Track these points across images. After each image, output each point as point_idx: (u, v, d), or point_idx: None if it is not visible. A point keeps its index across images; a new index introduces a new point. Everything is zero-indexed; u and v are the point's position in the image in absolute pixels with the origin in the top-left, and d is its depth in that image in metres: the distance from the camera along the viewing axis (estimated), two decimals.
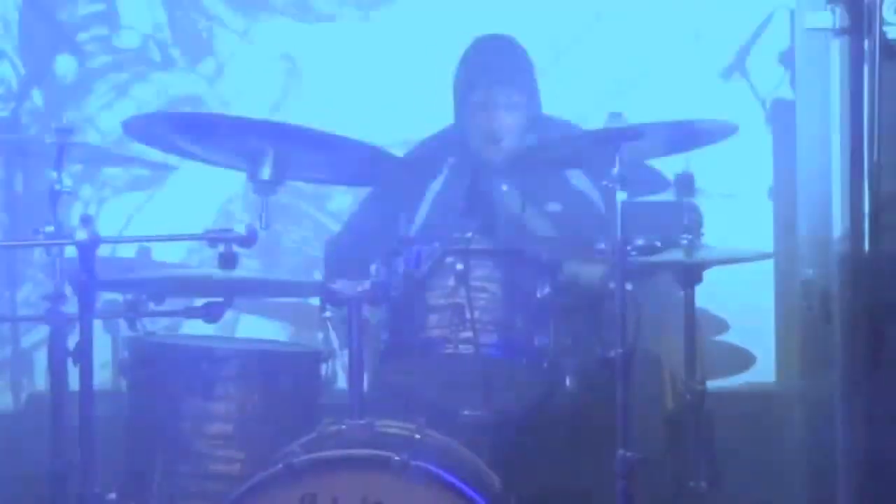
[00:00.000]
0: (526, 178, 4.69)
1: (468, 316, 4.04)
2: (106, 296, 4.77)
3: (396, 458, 3.74)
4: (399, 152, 4.94)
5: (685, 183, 4.40)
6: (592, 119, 5.61)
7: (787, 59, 5.65)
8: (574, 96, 5.90)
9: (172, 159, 4.78)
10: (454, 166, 4.85)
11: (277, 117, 5.92)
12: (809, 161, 5.06)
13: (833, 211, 4.39)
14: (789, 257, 5.30)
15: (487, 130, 4.84)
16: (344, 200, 5.66)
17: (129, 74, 6.18)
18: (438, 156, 4.88)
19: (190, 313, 4.24)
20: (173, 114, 4.35)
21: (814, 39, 4.54)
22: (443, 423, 4.11)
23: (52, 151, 4.23)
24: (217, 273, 3.89)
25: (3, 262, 5.92)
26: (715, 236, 4.56)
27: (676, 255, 4.37)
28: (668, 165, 4.51)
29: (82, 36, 6.19)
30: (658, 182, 4.57)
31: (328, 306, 4.02)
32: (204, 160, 4.34)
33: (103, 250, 3.98)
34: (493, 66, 4.84)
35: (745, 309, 5.72)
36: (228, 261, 3.94)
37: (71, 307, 3.85)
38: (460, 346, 4.06)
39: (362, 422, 3.91)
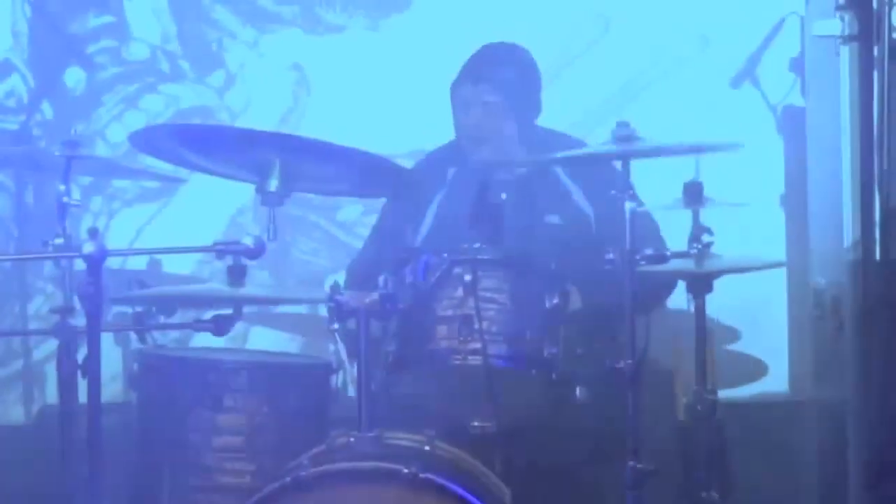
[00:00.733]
0: (527, 189, 4.68)
1: (477, 326, 4.03)
2: (116, 308, 4.78)
3: (405, 470, 3.73)
4: (408, 163, 4.94)
5: (694, 191, 4.39)
6: (601, 127, 5.61)
7: (797, 66, 5.63)
8: (583, 104, 5.90)
9: (182, 171, 4.79)
10: (456, 177, 4.83)
11: (287, 128, 5.93)
12: (820, 169, 5.05)
13: (844, 219, 4.39)
14: (801, 265, 5.29)
15: (469, 128, 4.79)
16: (353, 211, 5.66)
17: (139, 86, 6.18)
18: (441, 168, 4.87)
19: (199, 326, 4.24)
20: (179, 126, 4.35)
21: (824, 46, 4.53)
22: (452, 434, 4.10)
23: (62, 164, 4.24)
24: (222, 289, 3.88)
25: (13, 275, 5.93)
26: (726, 245, 4.54)
27: (687, 264, 4.36)
28: (678, 173, 4.49)
29: (92, 48, 6.19)
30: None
31: (336, 318, 4.01)
32: (212, 172, 4.34)
33: (113, 262, 3.99)
34: (481, 64, 4.81)
35: (757, 318, 5.71)
36: (237, 273, 3.93)
37: (80, 320, 3.85)
38: (469, 357, 4.05)
39: (371, 434, 3.90)
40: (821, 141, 4.97)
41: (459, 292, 4.07)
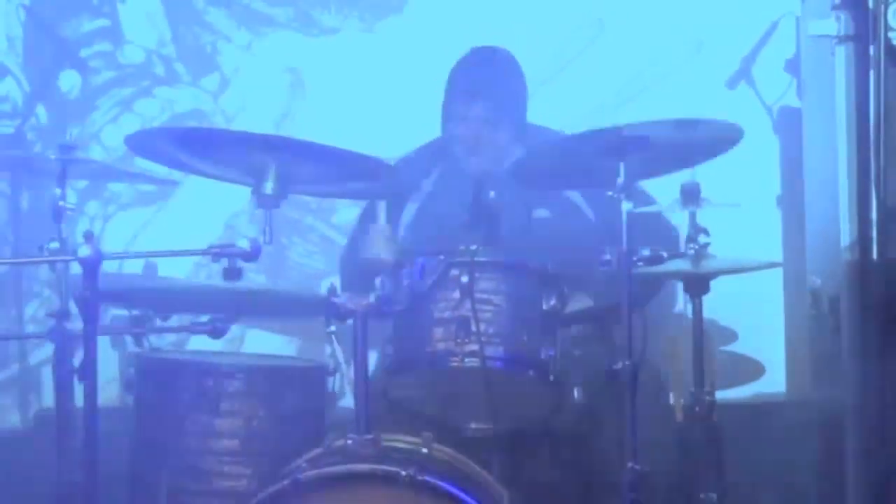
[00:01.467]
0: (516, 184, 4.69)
1: (474, 329, 4.02)
2: (112, 312, 4.77)
3: (403, 472, 3.73)
4: None
5: (691, 192, 4.38)
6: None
7: (792, 66, 5.63)
8: (577, 106, 5.89)
9: (177, 174, 4.78)
10: (442, 173, 4.86)
11: (282, 131, 5.93)
12: (817, 169, 5.05)
13: (841, 219, 4.38)
14: (798, 266, 5.28)
15: (468, 142, 4.84)
16: (349, 214, 5.64)
17: (134, 90, 6.18)
18: (426, 164, 4.89)
19: (195, 329, 4.24)
20: (175, 129, 4.34)
21: (819, 46, 4.52)
22: (449, 436, 4.10)
23: (57, 168, 4.23)
24: (221, 285, 3.88)
25: (9, 280, 5.93)
26: (722, 246, 4.54)
27: (683, 265, 4.36)
28: (675, 174, 4.49)
29: (86, 52, 6.19)
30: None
31: (333, 321, 4.00)
32: (208, 175, 4.34)
33: (110, 266, 3.98)
34: (476, 79, 4.84)
35: (754, 319, 5.70)
36: (233, 275, 3.93)
37: (76, 324, 3.84)
38: (466, 360, 4.05)
39: (369, 437, 3.89)
40: (817, 141, 4.97)
41: (456, 294, 4.07)
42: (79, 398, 3.80)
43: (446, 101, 4.92)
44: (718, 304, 4.62)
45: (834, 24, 4.33)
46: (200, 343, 4.45)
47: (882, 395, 4.16)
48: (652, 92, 5.98)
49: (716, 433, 4.39)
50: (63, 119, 6.10)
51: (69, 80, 6.18)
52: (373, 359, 4.17)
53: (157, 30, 6.19)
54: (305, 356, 5.43)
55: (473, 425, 4.19)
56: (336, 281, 4.84)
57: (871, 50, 4.13)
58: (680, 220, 4.50)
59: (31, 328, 5.88)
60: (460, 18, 5.94)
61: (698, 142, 4.22)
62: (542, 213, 4.76)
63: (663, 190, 4.55)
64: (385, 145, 5.38)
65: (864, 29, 4.16)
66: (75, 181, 4.97)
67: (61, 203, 4.24)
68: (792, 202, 5.60)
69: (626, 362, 4.00)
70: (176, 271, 5.75)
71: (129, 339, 4.46)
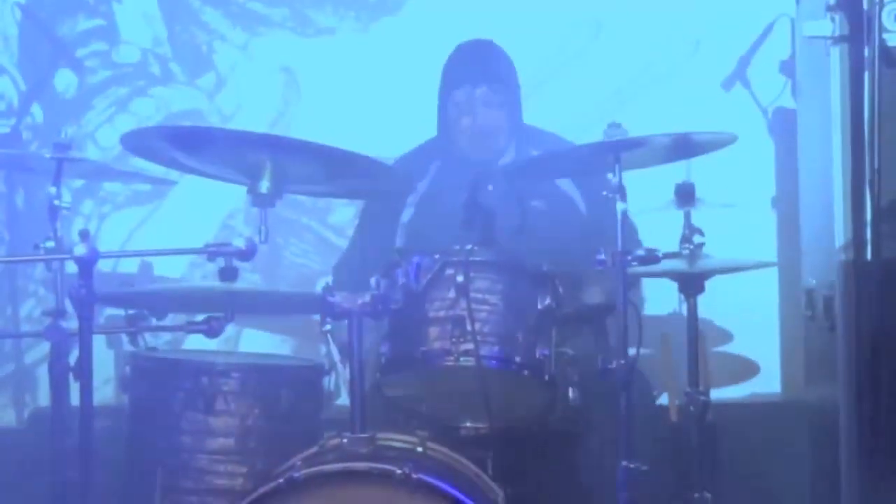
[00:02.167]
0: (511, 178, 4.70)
1: (469, 328, 4.03)
2: (108, 311, 4.78)
3: (398, 471, 3.73)
4: None
5: (686, 193, 4.39)
6: (592, 130, 5.61)
7: (787, 67, 5.64)
8: (574, 107, 5.90)
9: (173, 174, 4.78)
10: (440, 170, 4.88)
11: (277, 130, 5.93)
12: (811, 170, 5.05)
13: (835, 219, 4.39)
14: (792, 266, 5.29)
15: (473, 129, 4.87)
16: (345, 213, 5.66)
17: (129, 89, 6.18)
18: (424, 162, 4.92)
19: (191, 328, 4.24)
20: (171, 128, 4.35)
21: (814, 48, 4.53)
22: (445, 435, 4.10)
23: (52, 167, 4.23)
24: (216, 286, 3.88)
25: (4, 278, 5.92)
26: (717, 246, 4.55)
27: (678, 264, 4.36)
28: (670, 175, 4.50)
29: (82, 51, 6.19)
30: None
31: (328, 320, 4.00)
32: (203, 174, 4.34)
33: (105, 266, 3.98)
34: (474, 66, 4.90)
35: (749, 319, 5.71)
36: (228, 275, 3.93)
37: (71, 323, 3.84)
38: (461, 359, 4.04)
39: (364, 435, 3.90)
40: (812, 142, 4.97)
41: (451, 293, 4.07)
42: (74, 397, 3.81)
43: (444, 92, 4.95)
44: (713, 304, 4.63)
45: (829, 25, 4.34)
46: (196, 342, 4.46)
47: (877, 396, 4.16)
48: (649, 93, 5.99)
49: (710, 433, 4.40)
50: (58, 118, 6.11)
51: (65, 80, 6.18)
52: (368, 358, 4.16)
53: (153, 29, 6.19)
54: (301, 355, 5.44)
55: (468, 424, 4.20)
56: (331, 280, 4.86)
57: (866, 51, 4.14)
58: (674, 219, 4.51)
59: (26, 327, 5.88)
60: (456, 19, 5.95)
61: (692, 144, 4.24)
62: (537, 204, 4.77)
63: (658, 190, 4.56)
64: (381, 145, 5.38)
65: (858, 30, 4.17)
66: (71, 180, 4.97)
67: (56, 202, 4.25)
68: (787, 203, 5.61)
69: (621, 361, 4.00)
70: (171, 271, 5.76)
71: (124, 337, 4.46)
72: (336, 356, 4.09)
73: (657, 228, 4.88)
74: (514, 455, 4.27)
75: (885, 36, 4.15)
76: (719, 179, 4.64)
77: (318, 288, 4.08)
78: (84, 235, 3.80)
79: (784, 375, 5.78)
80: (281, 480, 3.76)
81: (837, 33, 4.31)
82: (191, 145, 4.05)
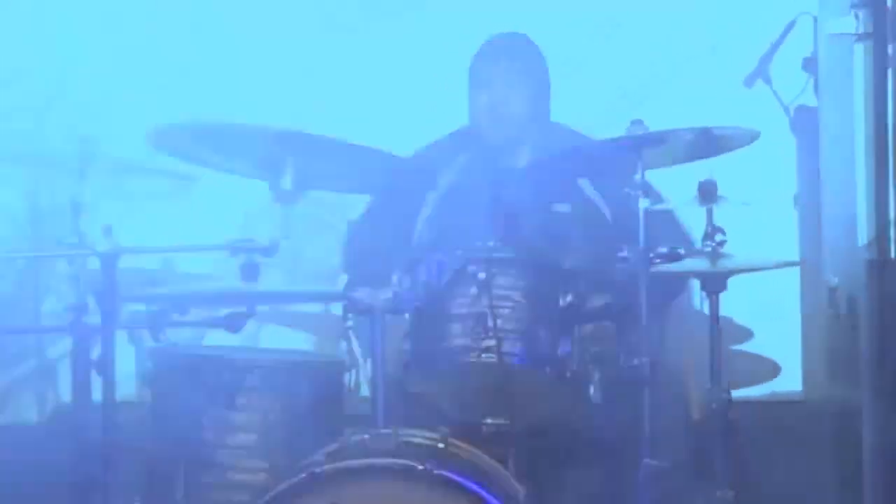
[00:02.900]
0: (536, 177, 4.69)
1: (491, 325, 4.03)
2: (129, 307, 4.78)
3: (420, 467, 3.73)
4: None
5: (708, 190, 4.38)
6: (613, 127, 5.60)
7: (810, 65, 5.62)
8: (595, 105, 5.89)
9: (196, 170, 4.80)
10: (467, 163, 4.86)
11: (299, 127, 5.92)
12: (834, 168, 5.04)
13: (858, 218, 4.38)
14: (815, 265, 5.28)
15: (489, 105, 4.83)
16: None
17: (153, 85, 6.18)
18: (448, 153, 4.89)
19: (212, 323, 4.24)
20: (195, 123, 4.34)
21: (837, 45, 4.52)
22: (466, 432, 4.10)
23: (75, 163, 4.25)
24: (237, 285, 3.89)
25: (27, 274, 5.93)
26: (739, 244, 4.54)
27: (701, 263, 4.36)
28: (692, 172, 4.49)
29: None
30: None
31: (350, 316, 4.01)
32: (226, 170, 4.35)
33: (127, 262, 3.99)
34: (502, 45, 4.88)
35: (771, 317, 5.69)
36: (250, 271, 3.93)
37: (94, 318, 3.85)
38: (483, 355, 4.05)
39: (386, 431, 3.90)
40: (834, 140, 4.96)
41: (474, 290, 4.07)
42: (96, 393, 3.82)
43: (472, 74, 4.90)
44: (735, 302, 4.62)
45: (852, 22, 4.33)
46: (218, 338, 4.46)
47: None
48: (670, 90, 5.98)
49: (732, 431, 4.39)
50: (81, 115, 6.10)
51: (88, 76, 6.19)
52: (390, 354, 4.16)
53: (175, 25, 6.19)
54: (322, 351, 5.44)
55: (490, 421, 4.19)
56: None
57: (890, 48, 4.13)
58: (697, 218, 4.50)
59: (48, 323, 5.88)
60: (477, 17, 5.94)
61: (714, 140, 4.23)
62: (562, 207, 4.76)
63: (680, 188, 4.55)
64: (403, 141, 5.40)
65: (882, 27, 4.17)
66: (93, 177, 4.98)
67: (79, 198, 4.26)
68: (809, 201, 5.59)
69: (644, 359, 4.00)
70: (194, 268, 5.76)
71: (146, 333, 4.46)
72: (357, 352, 4.10)
73: None
74: (535, 452, 4.27)
75: None
76: (741, 177, 4.62)
77: (340, 285, 4.09)
78: (107, 231, 3.81)
79: (805, 374, 5.76)
80: (303, 475, 3.77)
81: (861, 30, 4.30)
82: (215, 141, 4.06)
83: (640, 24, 5.96)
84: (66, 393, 5.83)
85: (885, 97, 4.15)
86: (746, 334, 5.68)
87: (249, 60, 6.18)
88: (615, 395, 4.21)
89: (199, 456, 4.12)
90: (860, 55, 4.35)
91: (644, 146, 4.08)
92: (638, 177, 4.05)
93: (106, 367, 3.76)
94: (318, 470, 3.76)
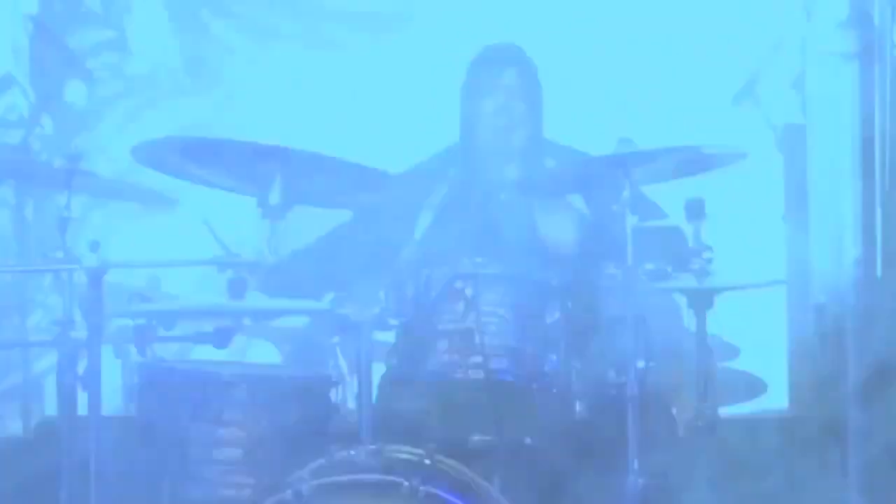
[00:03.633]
0: (523, 189, 4.70)
1: (478, 341, 4.03)
2: (116, 321, 4.77)
3: (406, 483, 3.73)
4: None
5: (695, 208, 4.39)
6: (602, 145, 5.61)
7: (798, 83, 5.64)
8: (584, 122, 5.89)
9: (182, 188, 4.78)
10: (456, 179, 4.86)
11: (287, 143, 5.92)
12: (821, 186, 5.05)
13: (845, 236, 4.39)
14: (802, 283, 5.28)
15: (495, 114, 4.84)
16: None
17: (140, 101, 6.18)
18: (438, 170, 4.90)
19: (199, 338, 4.24)
20: (182, 139, 4.35)
21: (825, 64, 4.53)
22: (452, 448, 4.09)
23: (62, 178, 4.24)
24: (224, 301, 3.88)
25: (13, 288, 5.92)
26: (727, 262, 4.54)
27: (688, 280, 4.36)
28: (679, 190, 4.49)
29: (92, 62, 6.19)
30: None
31: (337, 332, 4.00)
32: (213, 185, 4.34)
33: (113, 277, 3.99)
34: (504, 52, 4.88)
35: (758, 335, 5.69)
36: (237, 287, 3.93)
37: (80, 333, 3.84)
38: (470, 371, 4.05)
39: (372, 447, 3.89)
40: (822, 158, 4.97)
41: (461, 306, 4.07)
42: (82, 407, 3.81)
43: (469, 81, 4.89)
44: (722, 319, 4.62)
45: (840, 41, 4.34)
46: (204, 353, 4.45)
47: (886, 414, 4.16)
48: (657, 107, 5.98)
49: (718, 448, 4.39)
50: (69, 129, 6.10)
51: (75, 91, 6.18)
52: (377, 370, 4.16)
53: (163, 41, 6.19)
54: (308, 367, 5.42)
55: (477, 437, 4.19)
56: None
57: (877, 68, 4.15)
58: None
59: (34, 337, 5.87)
60: (466, 31, 5.95)
61: (702, 159, 4.24)
62: (547, 219, 4.76)
63: (668, 205, 4.56)
64: (392, 159, 5.39)
65: (870, 46, 4.18)
66: (80, 192, 4.96)
67: (66, 213, 4.26)
68: (796, 219, 5.61)
69: (629, 376, 4.00)
70: (181, 283, 5.75)
71: (132, 348, 4.45)
72: (344, 368, 4.09)
73: None
74: (522, 468, 4.26)
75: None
76: (729, 195, 4.63)
77: (327, 300, 4.09)
78: (94, 247, 3.81)
79: (792, 392, 5.76)
80: (288, 492, 3.76)
81: (849, 49, 4.31)
82: (202, 156, 4.06)
83: (630, 42, 5.97)
84: (51, 407, 5.81)
85: (872, 116, 4.16)
86: (733, 351, 5.68)
87: (237, 76, 6.18)
88: (602, 412, 4.21)
89: (184, 471, 4.11)
90: (848, 74, 4.36)
91: (632, 164, 4.08)
92: (626, 194, 4.04)
93: (92, 382, 3.75)
94: (303, 486, 3.76)
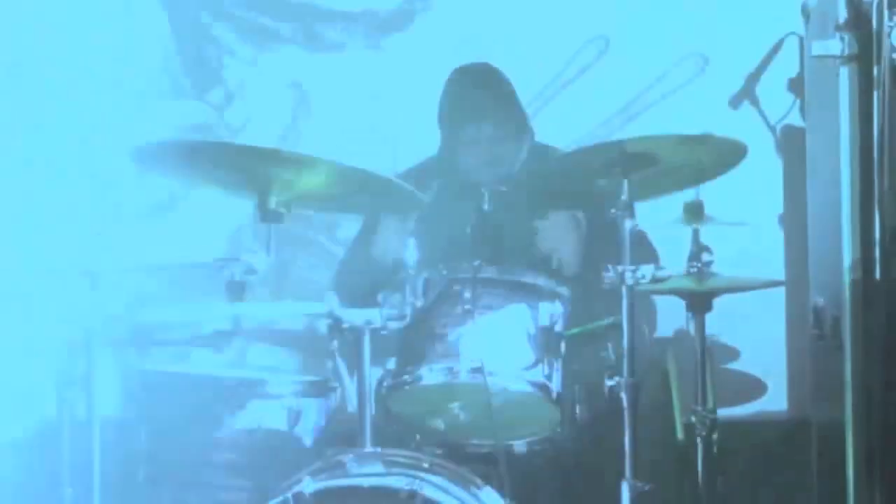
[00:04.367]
0: (515, 193, 4.70)
1: (475, 344, 4.03)
2: (115, 324, 4.77)
3: (405, 488, 3.72)
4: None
5: (694, 210, 4.40)
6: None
7: (796, 86, 5.65)
8: (582, 124, 5.89)
9: (182, 188, 4.79)
10: (442, 186, 4.87)
11: (286, 146, 5.92)
12: (819, 188, 5.05)
13: (843, 238, 4.38)
14: (800, 285, 5.29)
15: (481, 163, 4.84)
16: (352, 228, 5.62)
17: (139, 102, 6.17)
18: (425, 180, 4.90)
19: (198, 342, 4.24)
20: (181, 142, 4.35)
21: (823, 66, 4.53)
22: (451, 452, 4.10)
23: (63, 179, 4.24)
24: (224, 304, 3.89)
25: (14, 290, 5.91)
26: (725, 264, 4.55)
27: (686, 283, 4.37)
28: (679, 192, 4.50)
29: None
30: None
31: (336, 336, 4.01)
32: (212, 188, 4.34)
33: (112, 279, 3.99)
34: (477, 100, 4.86)
35: (756, 337, 5.70)
36: (236, 290, 3.93)
37: (79, 335, 3.84)
38: (468, 375, 4.05)
39: (370, 451, 3.89)
40: (820, 160, 4.97)
41: (459, 310, 4.07)
42: (80, 410, 3.81)
43: (446, 124, 4.90)
44: (720, 321, 4.63)
45: (838, 44, 4.34)
46: (203, 356, 4.45)
47: (884, 416, 4.16)
48: (656, 110, 5.98)
49: (717, 451, 4.39)
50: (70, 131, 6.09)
51: None
52: (375, 374, 4.17)
53: (162, 43, 6.19)
54: (307, 371, 5.43)
55: (475, 441, 4.19)
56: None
57: (875, 70, 4.15)
58: (683, 237, 4.51)
59: (34, 339, 5.87)
60: (465, 36, 5.94)
61: (702, 160, 4.23)
62: (543, 223, 4.77)
63: (666, 207, 4.56)
64: (390, 162, 5.40)
65: (867, 49, 4.18)
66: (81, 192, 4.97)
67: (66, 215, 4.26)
68: (795, 221, 5.61)
69: (627, 379, 4.00)
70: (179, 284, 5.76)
71: (132, 351, 4.46)
72: (343, 371, 4.09)
73: (665, 246, 4.88)
74: (520, 472, 4.26)
75: (894, 55, 4.15)
76: (728, 197, 4.63)
77: (326, 304, 4.09)
78: (94, 248, 3.81)
79: (791, 394, 5.76)
80: (288, 495, 3.76)
81: (846, 52, 4.31)
82: (201, 160, 4.06)
83: (628, 45, 5.96)
84: (51, 410, 5.81)
85: (870, 119, 4.16)
86: (732, 354, 5.69)
87: (235, 77, 6.17)
88: (601, 415, 4.21)
89: (183, 474, 4.12)
90: (845, 77, 4.36)
91: (630, 162, 4.08)
92: (624, 197, 4.05)
93: (89, 384, 3.75)
94: (302, 490, 3.75)
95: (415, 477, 3.78)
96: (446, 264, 4.13)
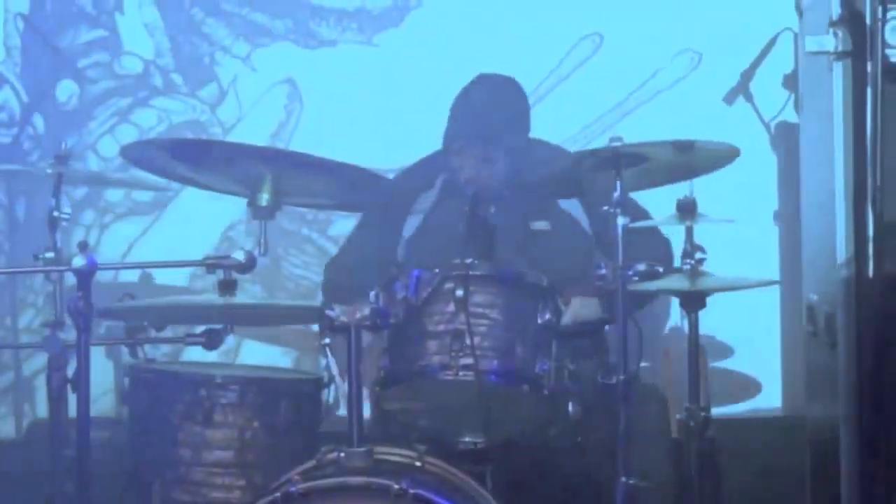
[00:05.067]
0: (514, 196, 4.68)
1: (468, 342, 4.02)
2: (107, 322, 4.77)
3: (396, 486, 3.72)
4: None
5: (688, 207, 4.38)
6: (593, 145, 5.61)
7: (790, 82, 5.65)
8: (576, 121, 5.89)
9: (173, 184, 4.78)
10: (446, 184, 4.84)
11: (279, 143, 5.92)
12: (813, 185, 5.04)
13: (837, 235, 4.38)
14: (794, 281, 5.28)
15: (479, 175, 4.80)
16: (345, 225, 5.63)
17: (131, 100, 6.17)
18: (427, 176, 4.88)
19: (190, 340, 4.23)
20: (171, 140, 4.36)
21: (817, 62, 4.52)
22: (443, 450, 4.09)
23: (52, 178, 4.24)
24: (216, 299, 3.87)
25: (4, 289, 5.92)
26: (719, 261, 4.53)
27: (680, 281, 4.35)
28: (672, 189, 4.48)
29: (84, 62, 6.17)
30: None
31: (327, 333, 3.99)
32: (204, 186, 4.34)
33: (105, 276, 3.98)
34: (481, 120, 4.77)
35: (750, 335, 5.70)
36: (228, 287, 3.92)
37: (70, 334, 3.84)
38: (460, 373, 4.04)
39: (361, 449, 3.88)
40: (814, 157, 4.96)
41: (451, 307, 4.06)
42: (72, 408, 3.80)
43: (449, 128, 4.85)
44: (714, 319, 4.61)
45: (832, 40, 4.33)
46: (195, 354, 4.45)
47: (878, 413, 4.15)
48: (650, 106, 5.98)
49: (711, 449, 4.38)
50: (60, 129, 6.09)
51: (66, 90, 6.17)
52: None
53: (155, 40, 6.18)
54: (300, 368, 5.43)
55: (467, 439, 4.18)
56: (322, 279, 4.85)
57: (869, 66, 4.14)
58: (676, 235, 4.49)
59: (25, 338, 5.87)
60: (459, 32, 5.94)
61: (694, 161, 4.23)
62: (540, 225, 4.75)
63: (660, 204, 4.55)
64: (383, 158, 5.39)
65: (861, 45, 4.17)
66: (72, 190, 4.96)
67: (56, 213, 4.26)
68: (789, 218, 5.60)
69: (621, 377, 3.99)
70: (173, 280, 5.75)
71: (123, 349, 4.45)
72: (335, 369, 4.08)
73: None
74: (512, 470, 4.26)
75: (887, 52, 4.14)
76: (721, 194, 4.62)
77: (318, 301, 4.08)
78: (83, 247, 3.80)
79: (785, 391, 5.76)
80: (278, 494, 3.75)
81: (840, 49, 4.30)
82: (192, 157, 4.06)
83: (622, 41, 5.96)
84: (42, 408, 5.82)
85: (863, 115, 4.15)
86: (727, 351, 5.68)
87: (228, 74, 6.17)
88: (593, 413, 4.20)
89: (174, 473, 4.11)
90: (839, 73, 4.35)
91: (622, 163, 4.07)
92: (616, 194, 4.04)
93: (81, 383, 3.74)
94: (293, 489, 3.75)
95: (406, 475, 3.77)
96: (439, 261, 4.12)
